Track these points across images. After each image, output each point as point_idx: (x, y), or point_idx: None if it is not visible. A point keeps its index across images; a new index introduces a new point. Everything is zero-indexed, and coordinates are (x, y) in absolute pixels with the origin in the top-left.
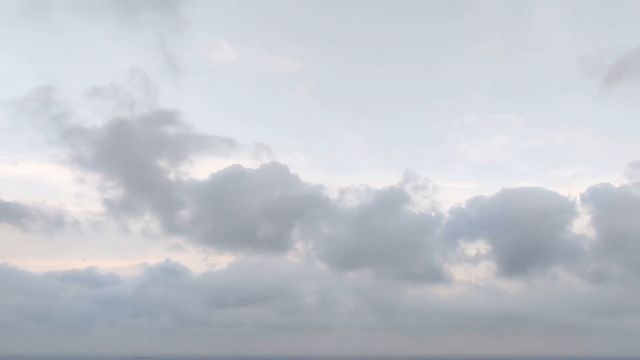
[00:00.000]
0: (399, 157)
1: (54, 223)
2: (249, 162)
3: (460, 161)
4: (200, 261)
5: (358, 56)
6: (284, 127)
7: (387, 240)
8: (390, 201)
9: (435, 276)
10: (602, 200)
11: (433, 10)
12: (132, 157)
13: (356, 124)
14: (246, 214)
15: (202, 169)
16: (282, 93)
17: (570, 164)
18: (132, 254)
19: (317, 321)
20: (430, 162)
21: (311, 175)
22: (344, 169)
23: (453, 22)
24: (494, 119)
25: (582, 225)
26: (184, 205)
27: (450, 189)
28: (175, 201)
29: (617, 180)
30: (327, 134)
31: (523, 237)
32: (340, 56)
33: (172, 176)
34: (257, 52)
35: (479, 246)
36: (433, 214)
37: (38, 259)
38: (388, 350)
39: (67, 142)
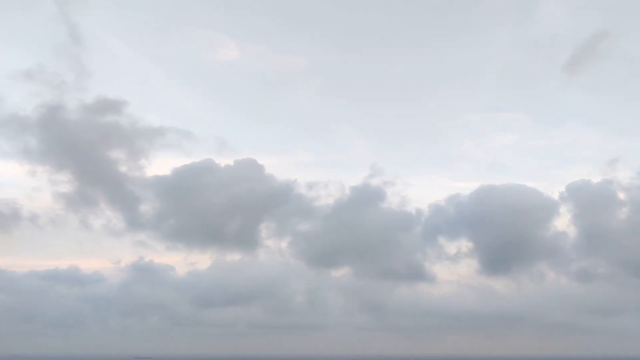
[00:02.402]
0: (401, 156)
1: (12, 219)
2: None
3: (462, 160)
4: (180, 260)
5: (361, 53)
6: (286, 125)
7: (378, 239)
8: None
9: (421, 275)
10: (582, 197)
11: (436, 8)
12: (86, 150)
13: (359, 122)
14: (225, 212)
15: (175, 163)
16: (284, 91)
17: (574, 162)
18: (108, 252)
19: (300, 320)
20: (433, 160)
21: (311, 174)
22: (346, 168)
23: (457, 17)
24: (499, 117)
25: (563, 222)
26: (163, 202)
27: (453, 188)
28: (151, 197)
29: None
30: (328, 133)
31: (508, 234)
32: (343, 55)
33: (146, 171)
34: (262, 50)
35: (465, 244)
36: (413, 212)
37: (13, 258)
38: (374, 350)
39: (6, 133)
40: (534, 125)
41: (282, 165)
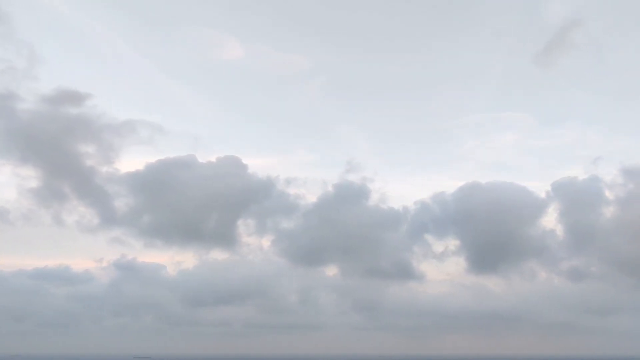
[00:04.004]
0: (405, 155)
1: None
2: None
3: (464, 159)
4: (166, 259)
5: (364, 54)
6: (290, 125)
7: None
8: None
9: (408, 273)
10: (568, 195)
11: (438, 9)
12: (54, 143)
13: (361, 122)
14: (206, 209)
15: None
16: (287, 90)
17: (575, 161)
18: (89, 250)
19: (288, 319)
20: (435, 160)
21: (311, 173)
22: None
23: (459, 17)
24: (502, 117)
25: (551, 220)
26: (142, 197)
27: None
28: (133, 192)
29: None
30: (330, 132)
31: (496, 232)
32: (346, 55)
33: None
34: (265, 50)
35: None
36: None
37: None
38: (364, 349)
39: None
40: (536, 125)
41: (282, 165)
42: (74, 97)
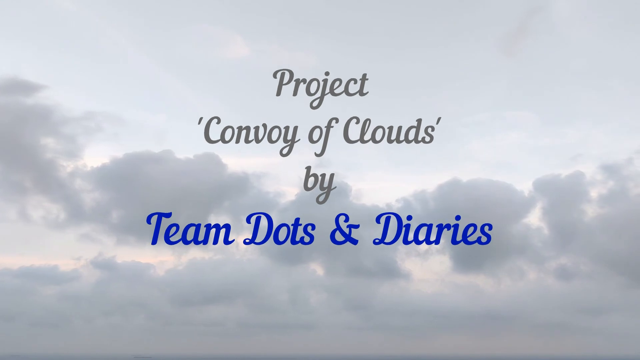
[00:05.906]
0: (408, 156)
1: None
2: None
3: (469, 159)
4: (150, 259)
5: (370, 52)
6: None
7: None
8: None
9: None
10: (551, 192)
11: (444, 7)
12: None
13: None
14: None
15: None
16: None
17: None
18: (70, 248)
19: (273, 319)
20: (439, 159)
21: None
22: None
23: (465, 17)
24: (507, 116)
25: (535, 218)
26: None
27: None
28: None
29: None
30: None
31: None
32: (352, 53)
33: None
34: (272, 48)
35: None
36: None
37: None
38: (352, 350)
39: None
40: (542, 124)
41: (282, 163)
42: (29, 87)
